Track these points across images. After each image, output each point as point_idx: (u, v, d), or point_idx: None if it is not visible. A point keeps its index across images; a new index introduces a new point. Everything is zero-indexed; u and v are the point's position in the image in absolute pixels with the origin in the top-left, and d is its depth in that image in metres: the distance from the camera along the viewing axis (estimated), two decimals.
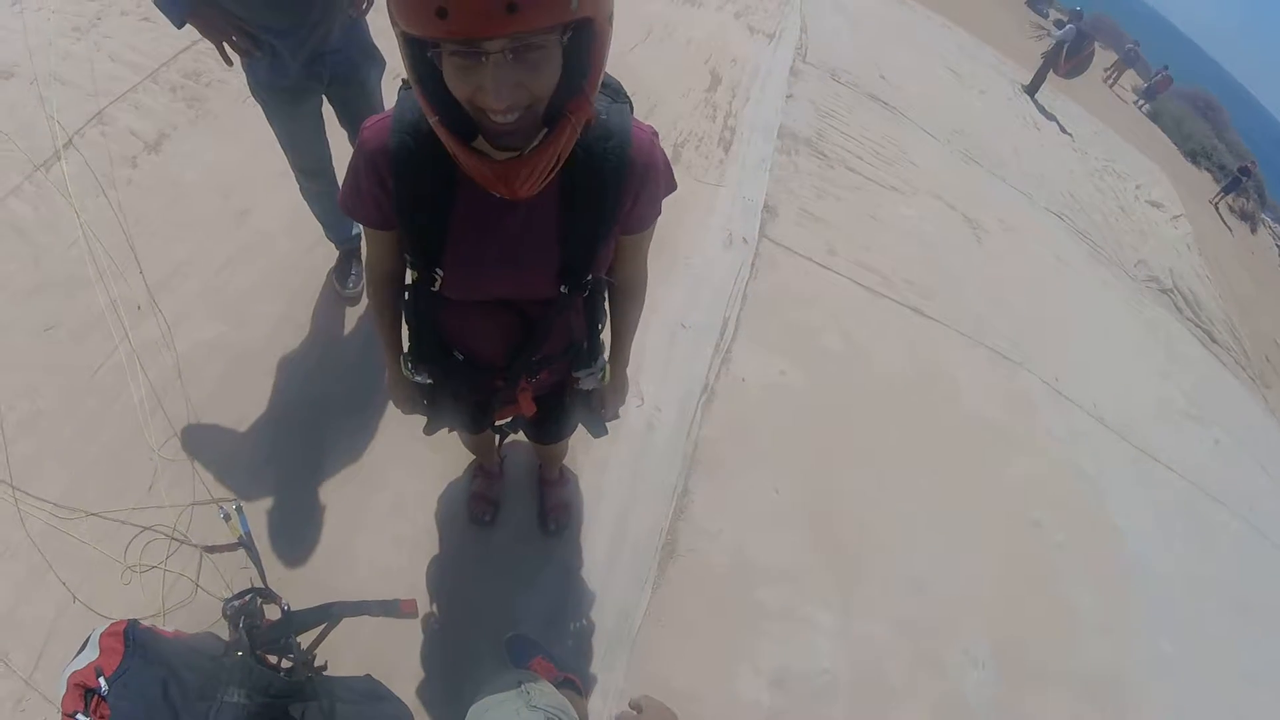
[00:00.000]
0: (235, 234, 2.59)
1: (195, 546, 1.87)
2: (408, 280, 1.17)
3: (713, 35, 5.56)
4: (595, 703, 1.89)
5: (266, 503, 1.99)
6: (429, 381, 1.31)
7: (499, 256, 1.03)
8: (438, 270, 1.04)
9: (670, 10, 5.48)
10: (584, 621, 2.01)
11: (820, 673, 2.17)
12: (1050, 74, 10.51)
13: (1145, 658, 2.80)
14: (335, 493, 2.06)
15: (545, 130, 0.83)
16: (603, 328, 1.32)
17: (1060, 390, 3.85)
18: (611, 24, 0.82)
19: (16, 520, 1.82)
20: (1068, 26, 11.45)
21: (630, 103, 1.04)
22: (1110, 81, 16.95)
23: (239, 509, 1.80)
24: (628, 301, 1.32)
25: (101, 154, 2.67)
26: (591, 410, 1.51)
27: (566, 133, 0.83)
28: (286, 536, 1.95)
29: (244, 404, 2.17)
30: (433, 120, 0.83)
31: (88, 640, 1.15)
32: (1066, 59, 10.83)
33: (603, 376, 1.38)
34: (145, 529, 1.87)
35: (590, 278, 1.09)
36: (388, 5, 0.74)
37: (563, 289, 1.08)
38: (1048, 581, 2.86)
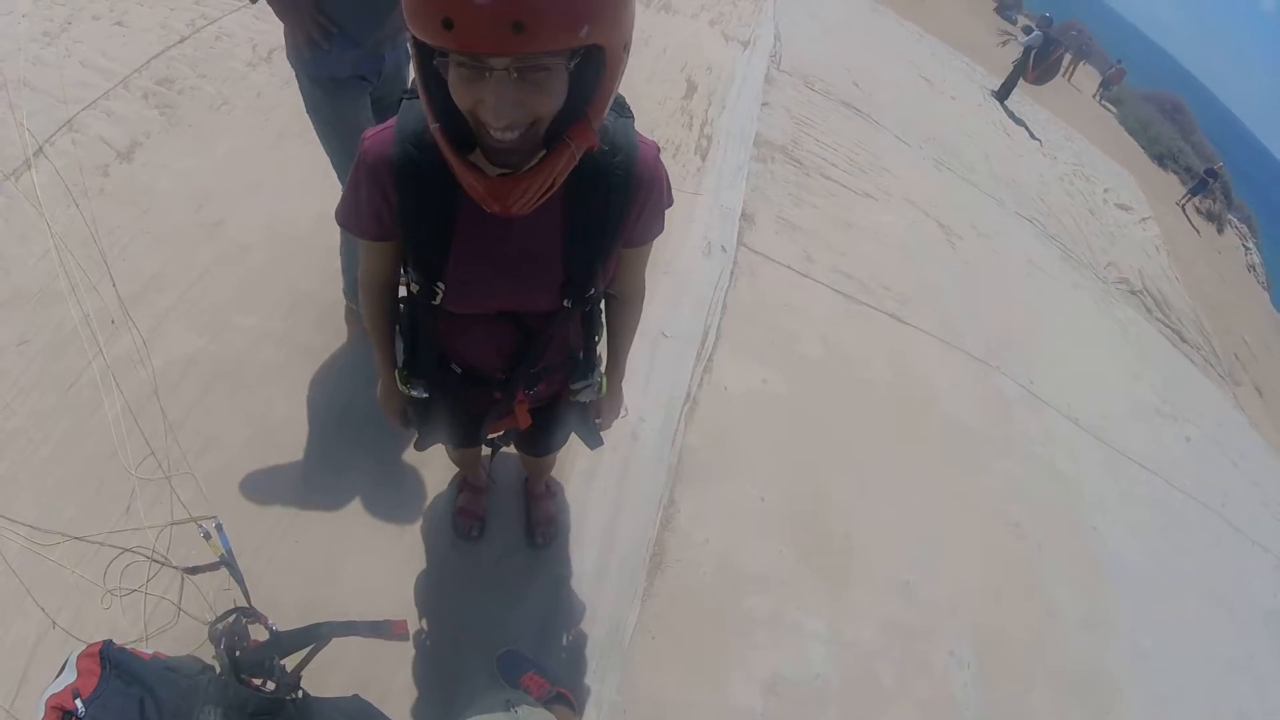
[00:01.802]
0: (210, 245, 2.54)
1: (176, 568, 1.82)
2: (404, 293, 1.15)
3: (688, 43, 5.62)
4: (589, 715, 1.88)
5: (248, 521, 1.95)
6: (424, 395, 1.29)
7: (502, 270, 1.03)
8: (439, 284, 1.03)
9: (645, 18, 5.53)
10: (575, 634, 2.00)
11: (812, 678, 2.19)
12: (1020, 80, 10.74)
13: (1127, 652, 2.86)
14: (319, 509, 2.03)
15: (544, 151, 0.83)
16: (599, 339, 1.32)
17: (1035, 393, 3.92)
18: (628, 53, 0.81)
19: None
20: (1035, 33, 11.69)
21: (633, 117, 1.02)
22: (1067, 75, 17.30)
23: (219, 527, 1.75)
24: (626, 313, 1.32)
25: (72, 163, 2.62)
26: (587, 422, 1.50)
27: (564, 157, 0.83)
28: (270, 555, 1.91)
29: (223, 419, 2.12)
30: (433, 127, 0.82)
31: (65, 663, 1.13)
32: (1034, 65, 11.06)
33: (599, 388, 1.38)
34: (125, 550, 1.82)
35: (593, 291, 1.09)
36: (402, 8, 0.74)
37: (565, 302, 1.07)
38: (1029, 581, 2.90)
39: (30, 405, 2.02)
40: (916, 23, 10.77)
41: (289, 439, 2.14)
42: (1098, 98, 18.90)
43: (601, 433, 1.55)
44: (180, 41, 3.35)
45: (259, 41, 3.50)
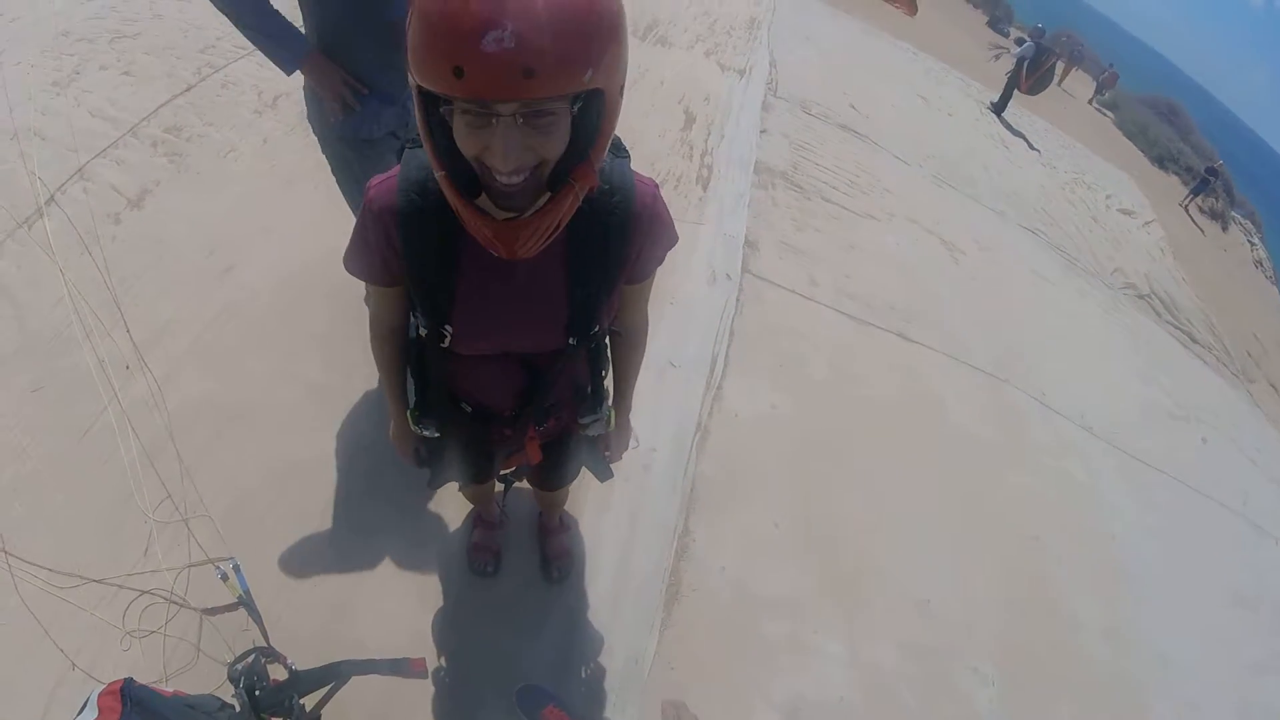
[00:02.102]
0: (221, 290, 2.60)
1: (195, 610, 1.85)
2: (413, 334, 1.18)
3: (684, 74, 5.72)
4: None
5: (265, 561, 1.97)
6: (436, 435, 1.30)
7: (507, 312, 1.05)
8: (446, 326, 1.05)
9: (641, 52, 5.64)
10: (593, 667, 2.01)
11: (835, 701, 2.19)
12: (1016, 91, 10.82)
13: (1152, 660, 2.83)
14: (334, 548, 2.05)
15: (548, 195, 0.85)
16: (606, 374, 1.35)
17: (1047, 403, 3.92)
18: (622, 96, 0.83)
19: (10, 586, 1.79)
20: (1027, 44, 11.78)
21: (629, 155, 1.05)
22: (1060, 81, 17.40)
23: (236, 568, 1.79)
24: (630, 348, 1.34)
25: (84, 210, 2.69)
26: (596, 454, 1.53)
27: (569, 200, 0.84)
28: (287, 595, 1.93)
29: (238, 462, 2.15)
30: (439, 175, 0.83)
31: (87, 701, 1.17)
32: (1028, 75, 11.15)
33: (608, 421, 1.40)
34: (143, 593, 1.85)
35: (596, 329, 1.12)
36: (406, 57, 0.75)
37: (570, 340, 1.10)
38: (1049, 594, 2.89)
39: (46, 450, 2.05)
40: (910, 42, 10.89)
41: (304, 480, 2.16)
42: (1093, 103, 19.00)
43: (612, 465, 1.58)
44: (187, 90, 3.45)
45: (264, 89, 3.60)
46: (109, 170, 2.89)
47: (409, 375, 1.28)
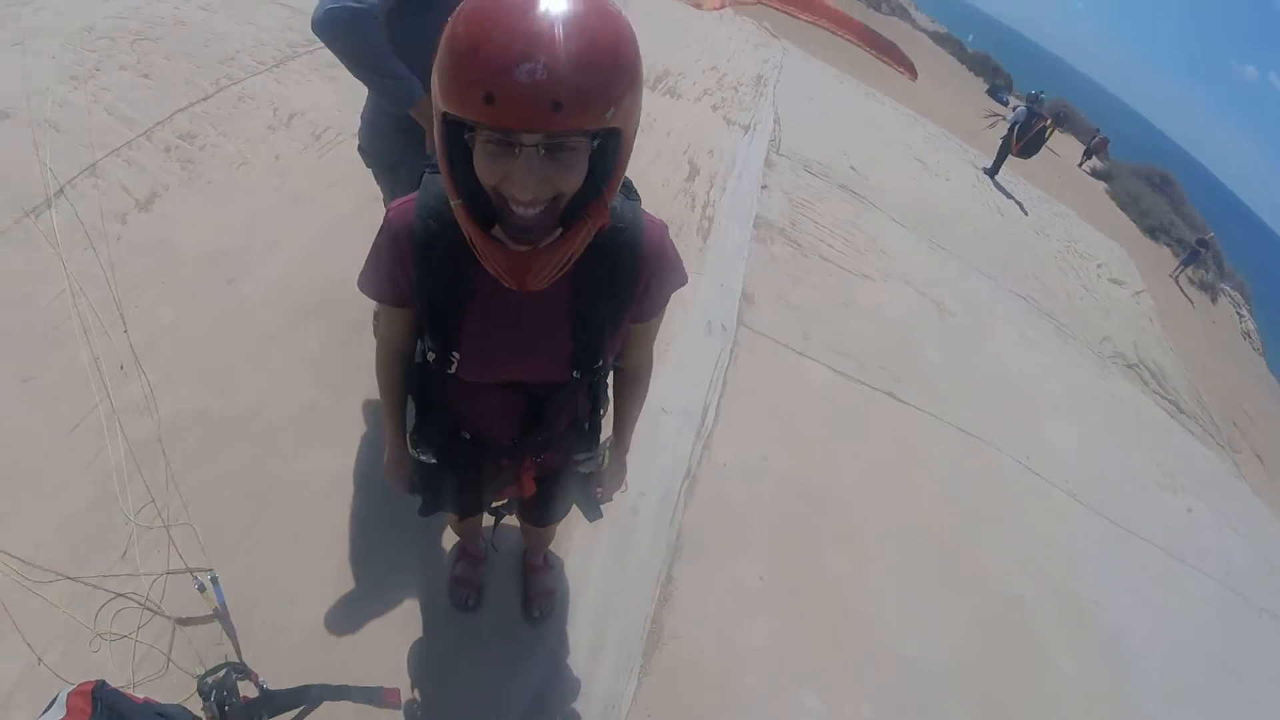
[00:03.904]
0: (222, 301, 2.60)
1: (169, 618, 1.81)
2: (418, 359, 1.20)
3: (691, 126, 5.90)
4: None
5: (245, 577, 1.93)
6: (433, 461, 1.31)
7: (513, 342, 1.08)
8: (454, 353, 1.07)
9: (652, 101, 5.79)
10: (568, 711, 2.00)
11: None
12: (1011, 157, 11.13)
13: None
14: (316, 570, 2.03)
15: (561, 229, 0.87)
16: (604, 411, 1.36)
17: (1032, 468, 3.97)
18: (635, 137, 0.85)
19: None
20: (1019, 108, 12.10)
21: (639, 198, 1.07)
22: (1046, 141, 17.80)
23: (214, 579, 1.76)
24: (633, 387, 1.37)
25: (92, 206, 2.69)
26: (588, 493, 1.53)
27: (582, 234, 0.87)
28: (263, 612, 1.89)
29: (225, 474, 2.13)
30: (455, 203, 0.85)
31: (55, 699, 1.15)
32: (1018, 138, 11.47)
33: (602, 460, 1.42)
34: (117, 595, 1.81)
35: (601, 364, 1.13)
36: (432, 83, 0.77)
37: (574, 373, 1.12)
38: (1032, 655, 2.90)
39: (32, 441, 2.03)
40: (910, 106, 11.24)
41: (290, 498, 2.14)
42: (1084, 167, 19.43)
43: (601, 505, 1.58)
44: (204, 99, 3.51)
45: (280, 105, 3.66)
46: (120, 170, 2.91)
47: (410, 399, 1.30)
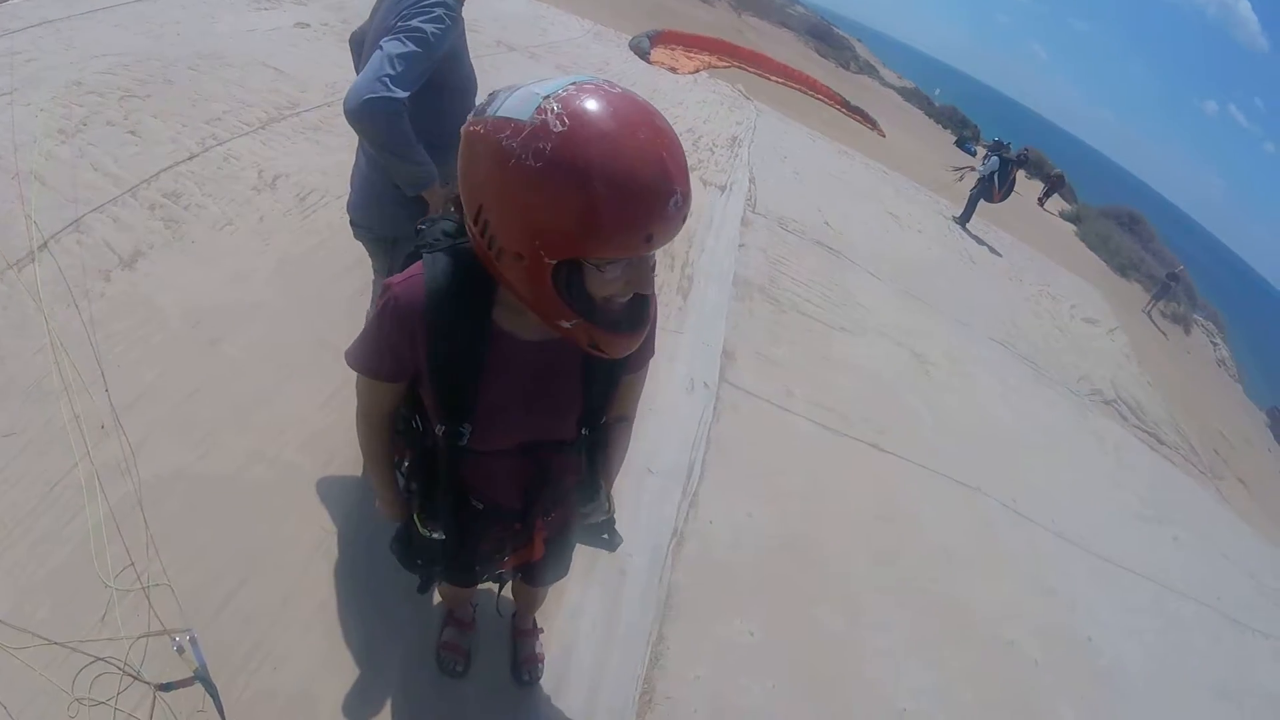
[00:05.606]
0: (204, 362, 2.57)
1: (149, 684, 1.73)
2: (422, 441, 1.23)
3: None
4: None
5: (228, 642, 1.88)
6: (442, 537, 1.30)
7: (528, 406, 1.11)
8: (465, 425, 1.09)
9: None
10: None
11: None
12: (981, 203, 11.47)
13: None
14: (300, 635, 1.98)
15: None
16: (599, 462, 1.37)
17: (1018, 511, 4.04)
18: None
19: None
20: (991, 159, 12.35)
21: None
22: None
23: (194, 640, 1.71)
24: (622, 433, 1.38)
25: (76, 262, 2.68)
26: (596, 536, 1.53)
27: (655, 303, 1.00)
28: (246, 679, 1.83)
29: (207, 537, 2.08)
30: (573, 323, 0.89)
31: None
32: (999, 187, 11.80)
33: (609, 507, 1.44)
34: (96, 660, 1.74)
35: (605, 419, 1.19)
36: (570, 239, 0.79)
37: (583, 431, 1.17)
38: (1029, 700, 2.91)
39: (10, 499, 1.99)
40: (882, 162, 11.63)
41: (273, 562, 2.10)
42: (1045, 206, 19.91)
43: (586, 568, 1.61)
44: (189, 158, 3.53)
45: (265, 168, 3.68)
46: (105, 226, 2.91)
47: (411, 478, 1.33)
